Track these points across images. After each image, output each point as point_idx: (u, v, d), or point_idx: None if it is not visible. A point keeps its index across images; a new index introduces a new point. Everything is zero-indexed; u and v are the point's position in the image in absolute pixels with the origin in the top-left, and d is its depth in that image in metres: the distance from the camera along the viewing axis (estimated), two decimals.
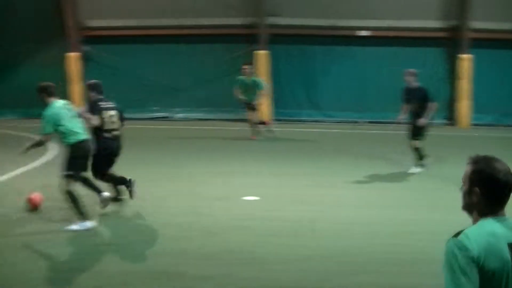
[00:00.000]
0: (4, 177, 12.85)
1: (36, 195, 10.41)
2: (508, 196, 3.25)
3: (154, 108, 23.48)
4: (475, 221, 3.29)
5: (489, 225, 3.20)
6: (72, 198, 9.29)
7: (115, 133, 10.47)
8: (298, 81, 22.61)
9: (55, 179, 9.50)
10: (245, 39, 22.35)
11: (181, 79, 22.61)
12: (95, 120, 10.17)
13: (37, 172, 13.58)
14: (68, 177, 9.27)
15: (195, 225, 9.61)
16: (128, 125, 20.19)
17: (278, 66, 22.16)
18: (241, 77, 18.14)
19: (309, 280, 7.32)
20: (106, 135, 10.30)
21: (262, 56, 21.81)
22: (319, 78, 22.53)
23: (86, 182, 10.03)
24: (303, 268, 7.66)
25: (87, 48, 23.31)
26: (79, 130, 9.49)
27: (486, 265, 3.08)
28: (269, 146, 16.95)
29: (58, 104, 9.56)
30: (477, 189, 3.24)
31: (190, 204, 10.86)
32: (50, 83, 9.75)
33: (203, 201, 11.09)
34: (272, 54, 21.92)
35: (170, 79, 22.89)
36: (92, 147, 9.67)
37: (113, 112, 10.49)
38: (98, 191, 10.12)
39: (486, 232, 3.16)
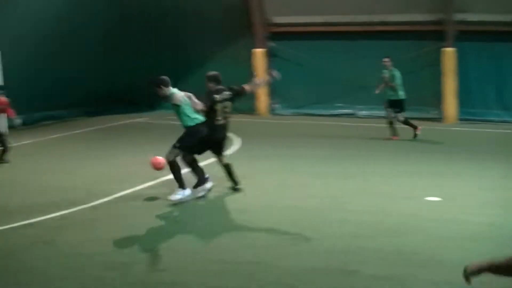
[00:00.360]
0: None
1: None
2: None
3: (338, 104, 23.44)
4: None
5: None
6: (174, 169, 10.79)
7: (224, 121, 11.24)
8: (487, 79, 21.64)
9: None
10: (432, 36, 21.73)
11: (366, 76, 22.36)
12: (199, 106, 11.03)
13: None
14: (176, 148, 10.84)
15: (375, 224, 9.50)
16: (311, 120, 20.61)
17: (465, 64, 21.33)
18: (384, 70, 17.90)
19: None
20: (217, 123, 11.09)
21: (449, 53, 21.09)
22: (509, 77, 21.41)
23: (194, 166, 11.04)
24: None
25: (272, 44, 23.72)
26: (195, 115, 11.00)
27: None
28: (451, 146, 16.36)
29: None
30: None
31: (370, 203, 10.75)
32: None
33: (384, 200, 10.94)
34: (459, 51, 21.13)
35: (355, 76, 22.72)
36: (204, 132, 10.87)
37: (227, 103, 11.26)
38: (202, 180, 11.03)
39: None
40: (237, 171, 11.57)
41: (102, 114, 23.17)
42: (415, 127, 17.64)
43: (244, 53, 23.41)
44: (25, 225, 9.57)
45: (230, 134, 11.78)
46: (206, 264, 7.78)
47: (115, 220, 9.91)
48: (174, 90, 11.22)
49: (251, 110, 23.58)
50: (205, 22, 23.35)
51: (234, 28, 23.60)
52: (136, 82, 21.31)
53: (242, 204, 10.69)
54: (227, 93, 11.32)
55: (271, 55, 23.76)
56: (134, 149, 16.07)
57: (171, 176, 11.26)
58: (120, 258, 8.04)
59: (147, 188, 11.98)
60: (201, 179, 11.12)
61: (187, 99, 11.11)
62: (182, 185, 10.90)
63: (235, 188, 11.54)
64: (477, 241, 8.65)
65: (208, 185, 11.24)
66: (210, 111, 11.11)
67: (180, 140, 10.97)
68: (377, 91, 18.12)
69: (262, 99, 22.88)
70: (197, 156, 11.25)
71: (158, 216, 10.13)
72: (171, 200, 10.79)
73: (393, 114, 17.56)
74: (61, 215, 10.10)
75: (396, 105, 17.64)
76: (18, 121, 15.21)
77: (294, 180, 12.50)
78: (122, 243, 8.71)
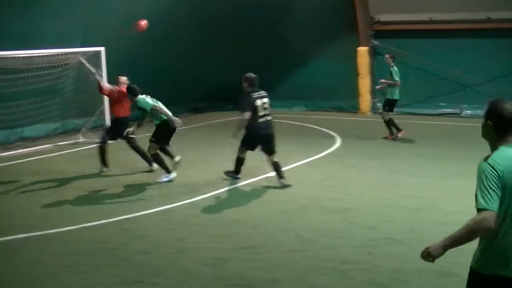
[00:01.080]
0: (288, 167, 13.36)
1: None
2: None
3: (442, 104, 22.94)
4: (493, 148, 4.39)
5: (506, 151, 4.31)
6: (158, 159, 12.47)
7: (267, 118, 11.84)
8: None
9: (335, 171, 9.75)
10: None
11: (470, 75, 21.81)
12: (246, 116, 11.67)
13: (320, 162, 14.17)
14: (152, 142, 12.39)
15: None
16: (414, 120, 20.31)
17: None
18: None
19: None
20: (260, 120, 11.72)
21: None
22: None
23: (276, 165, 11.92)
24: None
25: (376, 42, 23.47)
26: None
27: (507, 180, 4.23)
28: None
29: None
30: (489, 122, 4.37)
31: (468, 204, 10.43)
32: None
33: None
34: None
35: (459, 74, 22.23)
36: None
37: (265, 100, 11.85)
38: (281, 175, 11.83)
39: (505, 156, 4.28)
40: (334, 168, 11.48)
41: (209, 111, 23.61)
42: (399, 130, 17.41)
43: (348, 51, 23.25)
44: (122, 220, 9.85)
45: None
46: (302, 260, 7.76)
47: (213, 217, 10.02)
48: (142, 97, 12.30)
49: (354, 108, 23.42)
50: (308, 20, 23.31)
51: (338, 26, 23.48)
52: (234, 82, 21.49)
53: (341, 202, 10.62)
54: (263, 92, 11.92)
55: (375, 54, 23.52)
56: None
57: (272, 173, 11.67)
58: (216, 254, 8.12)
59: (248, 185, 12.12)
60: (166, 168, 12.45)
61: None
62: (167, 171, 12.42)
63: (284, 185, 11.80)
64: None
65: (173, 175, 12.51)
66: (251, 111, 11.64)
67: (154, 135, 12.52)
68: (377, 87, 18.52)
69: (365, 98, 22.61)
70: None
71: (255, 213, 10.19)
72: (159, 182, 12.29)
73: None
74: (158, 211, 10.33)
75: (389, 103, 17.68)
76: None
77: (390, 180, 12.35)
78: (219, 239, 8.80)
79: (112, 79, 15.03)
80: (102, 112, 18.01)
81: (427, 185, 12.03)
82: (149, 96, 12.35)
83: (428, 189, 11.64)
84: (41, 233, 9.22)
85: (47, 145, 16.95)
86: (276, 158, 11.88)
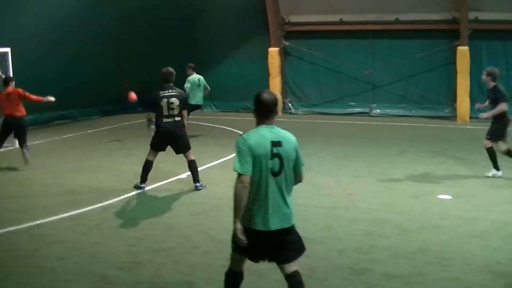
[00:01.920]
0: (201, 168, 13.40)
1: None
2: (271, 113, 5.73)
3: (352, 103, 23.44)
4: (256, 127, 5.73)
5: (261, 130, 5.70)
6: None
7: (175, 119, 11.50)
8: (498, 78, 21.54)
9: None
10: (446, 34, 21.68)
11: (379, 75, 22.38)
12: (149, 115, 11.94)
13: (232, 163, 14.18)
14: None
15: (387, 222, 9.53)
16: (325, 119, 20.69)
17: (479, 62, 21.26)
18: None
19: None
20: (165, 120, 11.43)
21: (463, 52, 20.99)
22: None
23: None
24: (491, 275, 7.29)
25: (287, 43, 23.75)
26: None
27: (256, 152, 5.56)
28: (464, 145, 16.25)
29: None
30: (254, 108, 5.75)
31: (383, 201, 10.77)
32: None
33: (397, 198, 11.00)
34: (473, 50, 21.04)
35: (368, 76, 22.77)
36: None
37: (173, 99, 11.47)
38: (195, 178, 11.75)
39: (258, 133, 5.66)
40: None
41: (117, 114, 23.32)
42: None
43: (259, 52, 23.46)
44: (34, 226, 9.58)
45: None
46: (217, 261, 7.81)
47: (127, 220, 9.95)
48: None
49: None
50: (220, 21, 23.40)
51: (250, 27, 23.66)
52: (148, 82, 21.34)
53: None
54: (174, 91, 11.65)
55: (285, 54, 23.81)
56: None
57: (185, 175, 11.54)
58: (131, 258, 8.08)
59: (161, 187, 12.06)
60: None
61: None
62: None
63: (197, 189, 11.77)
64: (486, 239, 8.65)
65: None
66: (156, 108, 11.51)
67: None
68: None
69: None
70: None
71: (168, 215, 10.17)
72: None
73: None
74: (70, 216, 10.14)
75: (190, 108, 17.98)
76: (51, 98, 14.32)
77: (305, 179, 12.51)
78: (133, 242, 8.75)
79: (22, 81, 14.82)
80: None
81: (342, 183, 12.25)
82: None
83: (342, 188, 11.87)
84: None
85: None
86: (191, 156, 11.78)
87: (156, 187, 12.02)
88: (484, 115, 12.56)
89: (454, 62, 21.22)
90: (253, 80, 22.99)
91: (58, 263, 7.87)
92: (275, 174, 5.62)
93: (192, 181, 11.84)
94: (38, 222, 9.70)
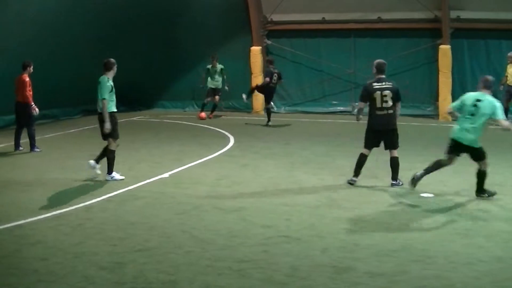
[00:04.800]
0: (183, 167, 13.39)
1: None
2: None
3: (334, 102, 23.48)
4: None
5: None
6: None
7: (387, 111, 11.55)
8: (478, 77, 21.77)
9: (229, 170, 9.76)
10: (428, 33, 21.78)
11: (362, 74, 22.43)
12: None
13: (214, 162, 14.27)
14: None
15: (371, 221, 9.57)
16: (307, 118, 20.71)
17: (460, 61, 21.39)
18: None
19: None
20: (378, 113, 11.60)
21: (444, 50, 21.09)
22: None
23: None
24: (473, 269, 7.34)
25: (269, 41, 23.76)
26: None
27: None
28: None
29: None
30: None
31: (366, 200, 10.81)
32: None
33: (380, 197, 11.09)
34: (455, 48, 21.15)
35: (349, 74, 22.83)
36: None
37: (385, 92, 11.51)
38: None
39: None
40: (228, 168, 11.53)
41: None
42: None
43: (242, 50, 23.46)
44: (16, 226, 9.47)
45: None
46: (199, 261, 7.79)
47: (109, 219, 9.89)
48: None
49: (248, 108, 23.68)
50: (203, 19, 23.34)
51: (233, 25, 23.65)
52: (131, 81, 21.32)
53: (236, 202, 10.73)
54: (388, 83, 11.71)
55: (268, 53, 23.81)
56: (129, 147, 16.03)
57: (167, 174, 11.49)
58: (114, 258, 8.03)
59: (143, 186, 12.02)
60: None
61: None
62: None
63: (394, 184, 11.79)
64: (469, 237, 8.72)
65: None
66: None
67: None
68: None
69: (258, 97, 22.79)
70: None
71: (151, 215, 10.13)
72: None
73: None
74: (53, 216, 10.05)
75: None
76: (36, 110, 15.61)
77: (287, 178, 12.59)
78: (116, 242, 8.70)
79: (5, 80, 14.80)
80: None
81: (325, 182, 12.28)
82: None
83: (326, 186, 11.89)
84: None
85: None
86: (396, 154, 11.83)
87: (138, 187, 11.96)
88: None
89: (436, 61, 21.33)
90: (236, 79, 22.93)
91: (41, 264, 7.80)
92: None
93: (353, 177, 11.93)
94: (20, 222, 9.61)
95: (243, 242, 8.59)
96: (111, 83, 12.12)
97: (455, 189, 11.49)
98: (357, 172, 11.86)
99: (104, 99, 11.90)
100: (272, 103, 20.94)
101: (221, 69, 22.27)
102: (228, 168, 13.59)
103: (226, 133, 18.49)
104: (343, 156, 14.74)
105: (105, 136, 12.13)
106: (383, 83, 11.59)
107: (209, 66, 22.31)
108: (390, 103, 11.47)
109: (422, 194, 11.08)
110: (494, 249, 8.20)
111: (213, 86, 22.29)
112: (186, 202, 10.77)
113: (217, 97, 22.19)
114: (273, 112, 21.54)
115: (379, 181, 12.17)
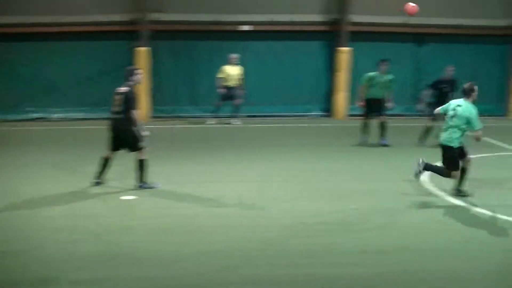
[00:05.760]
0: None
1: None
2: None
3: (29, 109, 22.35)
4: None
5: None
6: None
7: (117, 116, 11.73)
8: (180, 77, 22.46)
9: None
10: (127, 36, 21.82)
11: (58, 79, 21.81)
12: None
13: None
14: None
15: (78, 228, 9.30)
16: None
17: (160, 62, 21.79)
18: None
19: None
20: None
21: (142, 53, 21.30)
22: (203, 74, 22.25)
23: None
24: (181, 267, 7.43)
25: None
26: None
27: None
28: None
29: None
30: None
31: (72, 206, 10.47)
32: None
33: (83, 202, 10.85)
34: (154, 50, 21.47)
35: (46, 78, 22.03)
36: None
37: (117, 97, 11.57)
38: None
39: None
40: None
41: None
42: None
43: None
44: None
45: None
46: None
47: None
48: None
49: None
50: None
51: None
52: None
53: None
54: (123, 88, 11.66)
55: None
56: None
57: None
58: None
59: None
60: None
61: None
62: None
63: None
64: (174, 234, 9.01)
65: None
66: None
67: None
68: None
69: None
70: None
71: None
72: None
73: None
74: None
75: None
76: None
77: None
78: None
79: None
80: None
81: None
82: None
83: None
84: None
85: None
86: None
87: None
88: None
89: (132, 63, 21.36)
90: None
91: None
92: None
93: None
94: None
95: None
96: None
97: (150, 191, 11.50)
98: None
99: None
100: None
101: None
102: None
103: None
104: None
105: None
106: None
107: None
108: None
109: (122, 197, 11.08)
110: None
111: None
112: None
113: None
114: None
115: (79, 186, 11.78)
